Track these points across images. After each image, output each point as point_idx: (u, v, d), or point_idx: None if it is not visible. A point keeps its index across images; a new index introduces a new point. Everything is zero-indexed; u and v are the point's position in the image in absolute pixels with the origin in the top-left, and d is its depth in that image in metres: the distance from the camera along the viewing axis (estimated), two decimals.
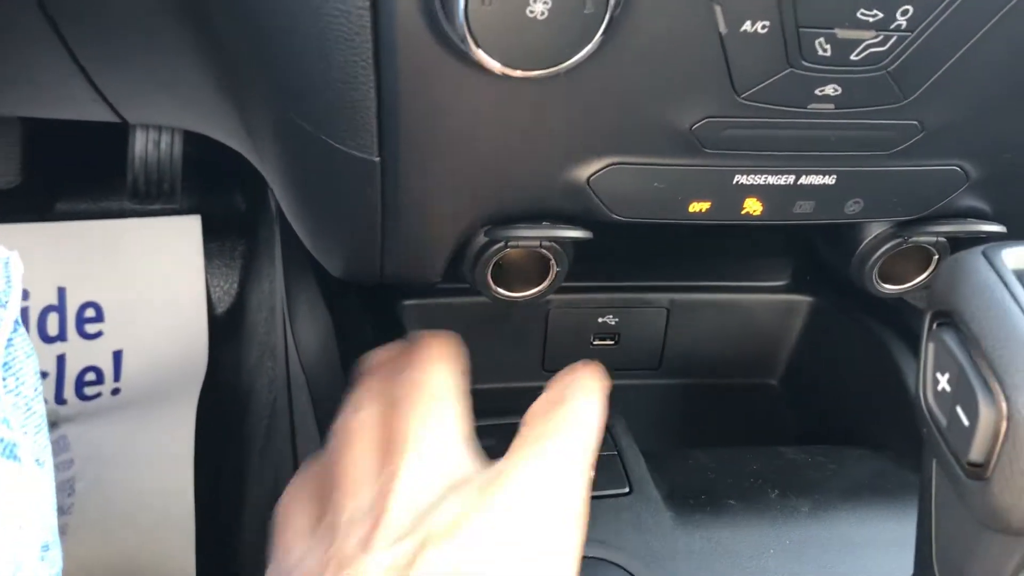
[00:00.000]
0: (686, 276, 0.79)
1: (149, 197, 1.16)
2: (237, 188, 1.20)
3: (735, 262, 0.80)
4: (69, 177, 1.17)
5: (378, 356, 0.56)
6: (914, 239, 0.61)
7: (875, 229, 0.62)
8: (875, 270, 0.63)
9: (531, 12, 0.41)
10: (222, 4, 0.51)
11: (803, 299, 0.81)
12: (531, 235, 0.56)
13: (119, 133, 1.12)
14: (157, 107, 0.79)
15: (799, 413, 0.83)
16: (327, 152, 0.51)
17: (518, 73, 0.43)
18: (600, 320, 0.78)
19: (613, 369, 0.79)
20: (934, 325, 0.44)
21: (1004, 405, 0.39)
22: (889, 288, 0.65)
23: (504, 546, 0.41)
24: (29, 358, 0.41)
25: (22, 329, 0.41)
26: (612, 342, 0.80)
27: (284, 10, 0.46)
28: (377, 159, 0.50)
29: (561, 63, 0.43)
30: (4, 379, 0.39)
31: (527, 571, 0.41)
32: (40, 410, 0.41)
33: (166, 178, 1.16)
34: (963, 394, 0.41)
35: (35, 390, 0.41)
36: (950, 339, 0.42)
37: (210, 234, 1.15)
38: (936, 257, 0.63)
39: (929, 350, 0.44)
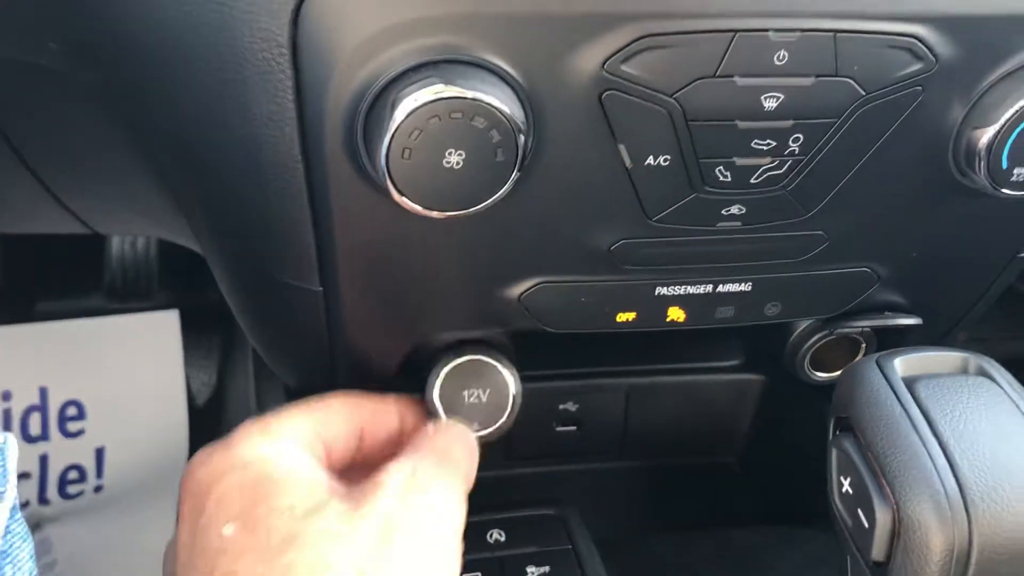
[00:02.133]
0: (642, 360, 0.82)
1: (127, 296, 1.19)
2: (212, 280, 1.22)
3: (689, 344, 0.83)
4: (48, 279, 1.20)
5: None
6: (839, 331, 0.64)
7: (802, 323, 0.65)
8: (806, 360, 0.66)
9: (447, 163, 0.44)
10: (169, 153, 0.54)
11: (755, 378, 0.83)
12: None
13: (96, 235, 1.15)
14: (126, 223, 0.83)
15: (756, 490, 0.86)
16: (273, 283, 0.54)
17: (436, 214, 0.46)
18: (561, 407, 0.81)
19: (577, 453, 0.82)
20: (836, 431, 0.47)
21: (895, 509, 0.42)
22: (821, 376, 0.68)
23: None
24: (25, 542, 0.43)
25: (19, 514, 0.43)
26: (574, 427, 0.82)
27: (224, 162, 0.50)
28: (319, 289, 0.53)
29: (477, 205, 0.46)
30: (2, 569, 0.42)
31: None
32: None
33: (143, 277, 1.19)
34: (862, 498, 0.44)
35: (30, 573, 0.43)
36: (849, 445, 0.45)
37: (188, 327, 1.17)
38: (864, 345, 0.66)
39: (833, 455, 0.47)
